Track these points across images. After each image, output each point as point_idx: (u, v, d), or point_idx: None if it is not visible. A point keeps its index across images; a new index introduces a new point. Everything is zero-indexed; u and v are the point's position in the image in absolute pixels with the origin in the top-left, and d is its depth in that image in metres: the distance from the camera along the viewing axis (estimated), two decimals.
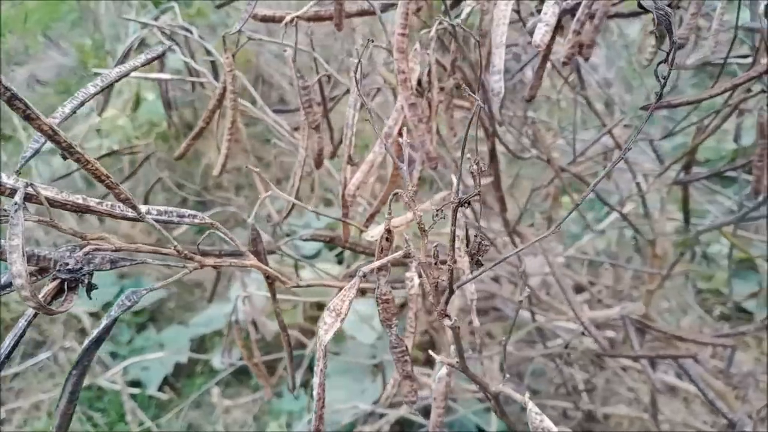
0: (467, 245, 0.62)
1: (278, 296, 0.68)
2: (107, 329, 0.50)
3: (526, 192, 1.61)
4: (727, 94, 0.76)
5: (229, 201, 2.55)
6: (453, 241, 0.42)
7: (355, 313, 1.70)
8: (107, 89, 0.71)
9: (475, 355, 1.65)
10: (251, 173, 0.87)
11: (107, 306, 2.48)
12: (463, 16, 0.75)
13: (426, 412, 1.37)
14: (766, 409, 1.13)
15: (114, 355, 2.37)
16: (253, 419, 2.23)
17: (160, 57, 1.20)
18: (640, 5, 0.44)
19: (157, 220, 0.51)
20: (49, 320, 2.45)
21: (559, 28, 0.96)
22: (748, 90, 0.72)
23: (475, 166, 0.42)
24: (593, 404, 1.09)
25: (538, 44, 0.58)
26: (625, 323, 0.82)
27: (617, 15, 0.85)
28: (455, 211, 0.41)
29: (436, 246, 0.42)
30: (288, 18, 0.67)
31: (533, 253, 1.62)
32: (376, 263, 0.45)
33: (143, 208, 0.51)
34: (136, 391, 2.28)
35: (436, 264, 0.42)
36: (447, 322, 0.44)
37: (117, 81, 0.56)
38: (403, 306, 2.08)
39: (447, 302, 0.44)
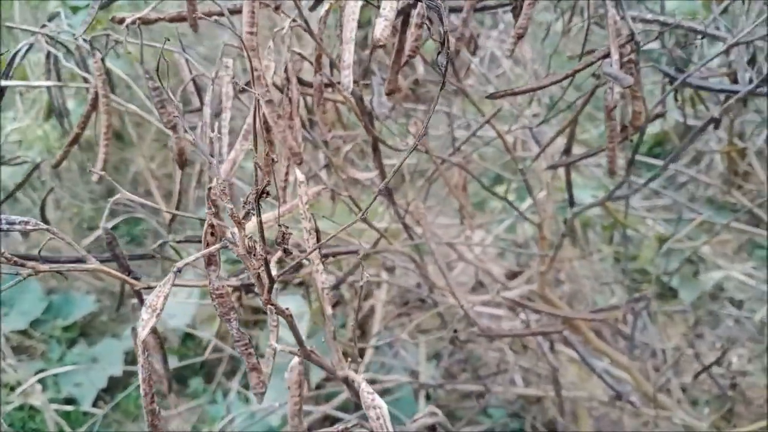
0: (316, 238, 0.63)
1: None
2: None
3: (442, 186, 1.64)
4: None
5: (156, 209, 2.51)
6: (261, 232, 0.42)
7: (294, 306, 1.70)
8: None
9: (401, 338, 1.68)
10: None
11: (35, 323, 2.41)
12: (322, 13, 0.76)
13: (351, 407, 1.38)
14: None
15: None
16: (192, 428, 2.21)
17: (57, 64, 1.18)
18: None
19: None
20: None
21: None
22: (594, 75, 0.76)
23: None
24: (503, 385, 1.12)
25: (378, 39, 0.60)
26: (515, 305, 0.85)
27: (485, 8, 0.87)
28: (257, 201, 0.42)
29: (251, 237, 0.43)
30: (129, 20, 0.67)
31: (461, 242, 1.65)
32: (191, 258, 0.45)
33: None
34: (69, 408, 2.23)
35: (252, 255, 0.43)
36: (272, 311, 0.45)
37: None
38: (337, 304, 2.09)
39: (270, 291, 0.45)
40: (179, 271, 0.44)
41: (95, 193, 2.82)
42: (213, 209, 0.46)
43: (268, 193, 0.52)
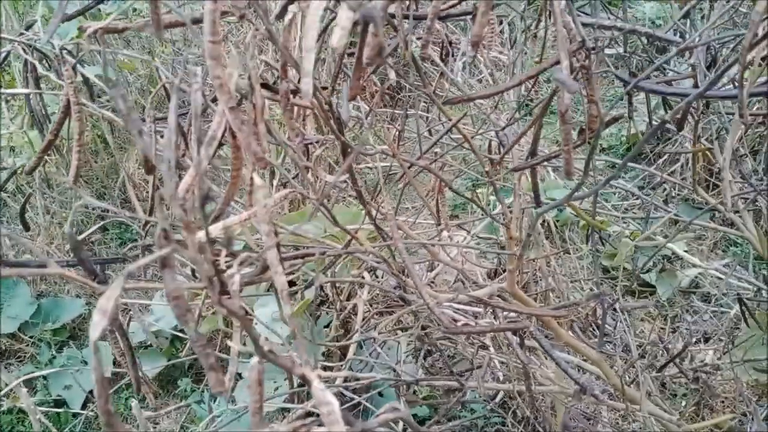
0: (276, 242, 0.66)
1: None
2: None
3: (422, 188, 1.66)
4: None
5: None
6: (207, 235, 0.45)
7: (266, 315, 1.72)
8: None
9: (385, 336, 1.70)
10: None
11: (24, 326, 2.42)
12: (286, 22, 0.78)
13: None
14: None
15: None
16: (180, 428, 2.23)
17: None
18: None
19: None
20: None
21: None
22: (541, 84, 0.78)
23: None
24: (478, 381, 1.14)
25: (335, 47, 0.62)
26: (479, 303, 0.88)
27: (449, 16, 0.90)
28: (203, 206, 0.44)
29: (209, 241, 0.45)
30: (91, 30, 0.69)
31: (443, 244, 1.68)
32: (141, 262, 0.48)
33: None
34: (59, 410, 2.25)
35: (204, 257, 0.45)
36: (222, 311, 0.48)
37: None
38: (322, 303, 2.11)
39: (220, 293, 0.47)
40: (129, 275, 0.46)
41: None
42: (164, 214, 0.48)
43: (210, 198, 0.54)
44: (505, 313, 1.03)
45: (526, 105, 1.05)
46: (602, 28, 0.86)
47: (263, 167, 0.74)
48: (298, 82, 0.88)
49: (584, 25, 0.89)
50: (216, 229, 0.72)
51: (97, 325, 0.44)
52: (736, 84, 0.70)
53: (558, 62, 0.70)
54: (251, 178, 0.76)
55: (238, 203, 1.08)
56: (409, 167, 0.93)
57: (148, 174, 0.80)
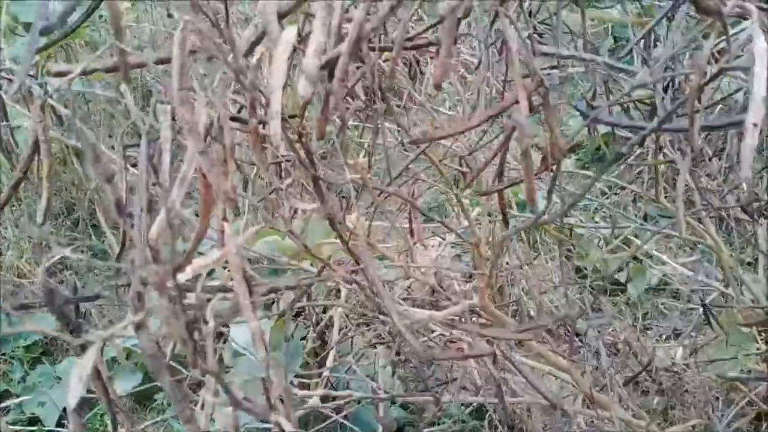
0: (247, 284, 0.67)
1: None
2: None
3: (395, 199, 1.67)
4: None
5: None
6: (180, 300, 0.46)
7: (243, 333, 1.73)
8: None
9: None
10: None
11: None
12: (254, 61, 0.79)
13: (305, 422, 1.42)
14: None
15: (7, 394, 2.29)
16: None
17: None
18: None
19: None
20: None
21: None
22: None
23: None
24: (453, 393, 1.17)
25: (301, 96, 0.63)
26: (448, 327, 0.91)
27: (414, 47, 0.91)
28: (174, 277, 0.46)
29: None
30: (75, 74, 0.70)
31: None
32: (118, 327, 0.49)
33: None
34: (33, 429, 2.22)
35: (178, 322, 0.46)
36: (196, 371, 0.49)
37: None
38: (297, 315, 2.12)
39: (194, 355, 0.48)
40: (104, 344, 0.47)
41: (53, 209, 2.80)
42: (138, 275, 0.49)
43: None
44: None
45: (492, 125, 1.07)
46: (562, 58, 0.88)
47: (233, 207, 0.76)
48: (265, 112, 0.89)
49: (544, 54, 0.92)
50: (187, 274, 0.73)
51: (74, 392, 0.45)
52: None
53: (517, 101, 0.73)
54: (223, 218, 0.77)
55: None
56: (379, 195, 0.94)
57: (120, 217, 0.81)
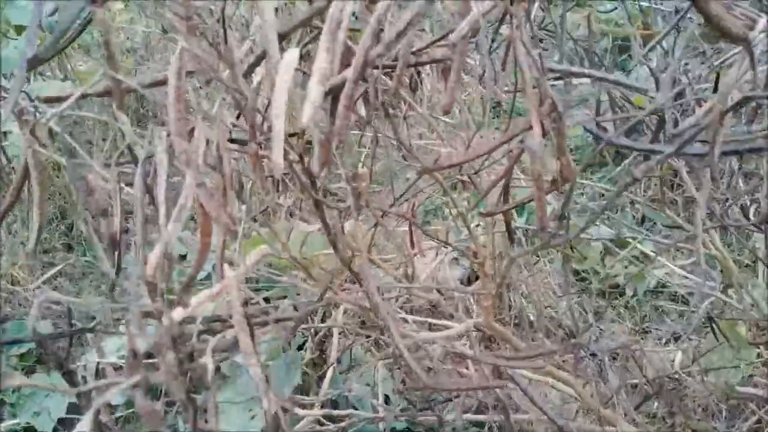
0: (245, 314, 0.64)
1: None
2: None
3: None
4: None
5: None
6: (171, 340, 0.43)
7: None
8: None
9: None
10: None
11: None
12: (254, 84, 0.76)
13: None
14: None
15: (1, 403, 2.26)
16: None
17: None
18: None
19: None
20: None
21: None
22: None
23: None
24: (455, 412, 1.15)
25: (305, 124, 0.61)
26: (455, 356, 0.89)
27: (417, 63, 0.88)
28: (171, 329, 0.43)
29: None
30: (73, 98, 0.66)
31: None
32: (113, 390, 0.46)
33: None
34: None
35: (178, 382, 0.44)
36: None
37: None
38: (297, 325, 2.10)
39: (195, 414, 0.46)
40: (98, 411, 0.44)
41: (47, 213, 2.76)
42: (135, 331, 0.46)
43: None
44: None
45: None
46: (572, 76, 0.85)
47: (233, 238, 0.73)
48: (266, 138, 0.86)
49: (551, 71, 0.89)
50: (185, 312, 0.70)
51: None
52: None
53: (530, 127, 0.70)
54: (222, 249, 0.74)
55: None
56: (381, 216, 0.92)
57: (115, 250, 0.78)
